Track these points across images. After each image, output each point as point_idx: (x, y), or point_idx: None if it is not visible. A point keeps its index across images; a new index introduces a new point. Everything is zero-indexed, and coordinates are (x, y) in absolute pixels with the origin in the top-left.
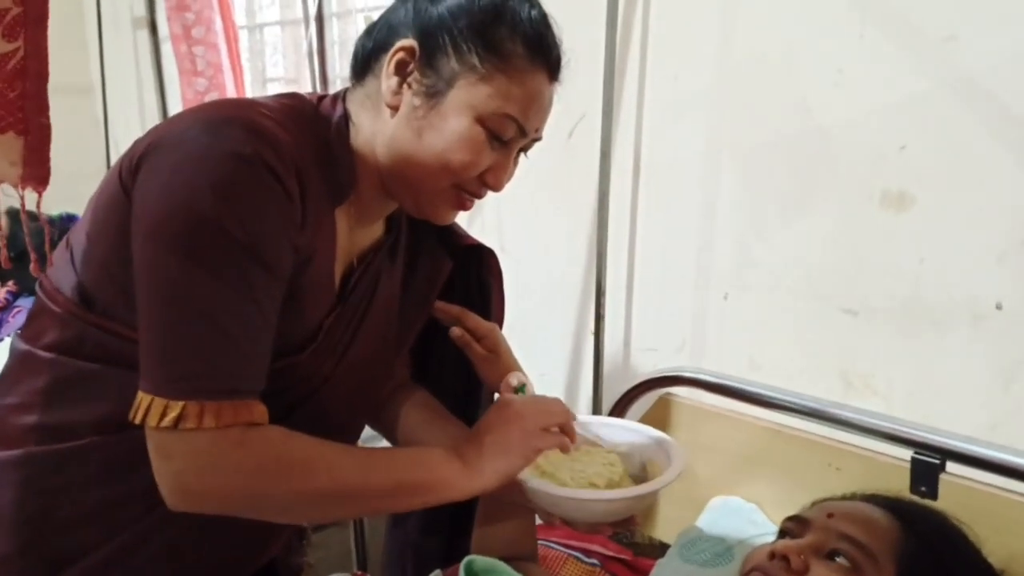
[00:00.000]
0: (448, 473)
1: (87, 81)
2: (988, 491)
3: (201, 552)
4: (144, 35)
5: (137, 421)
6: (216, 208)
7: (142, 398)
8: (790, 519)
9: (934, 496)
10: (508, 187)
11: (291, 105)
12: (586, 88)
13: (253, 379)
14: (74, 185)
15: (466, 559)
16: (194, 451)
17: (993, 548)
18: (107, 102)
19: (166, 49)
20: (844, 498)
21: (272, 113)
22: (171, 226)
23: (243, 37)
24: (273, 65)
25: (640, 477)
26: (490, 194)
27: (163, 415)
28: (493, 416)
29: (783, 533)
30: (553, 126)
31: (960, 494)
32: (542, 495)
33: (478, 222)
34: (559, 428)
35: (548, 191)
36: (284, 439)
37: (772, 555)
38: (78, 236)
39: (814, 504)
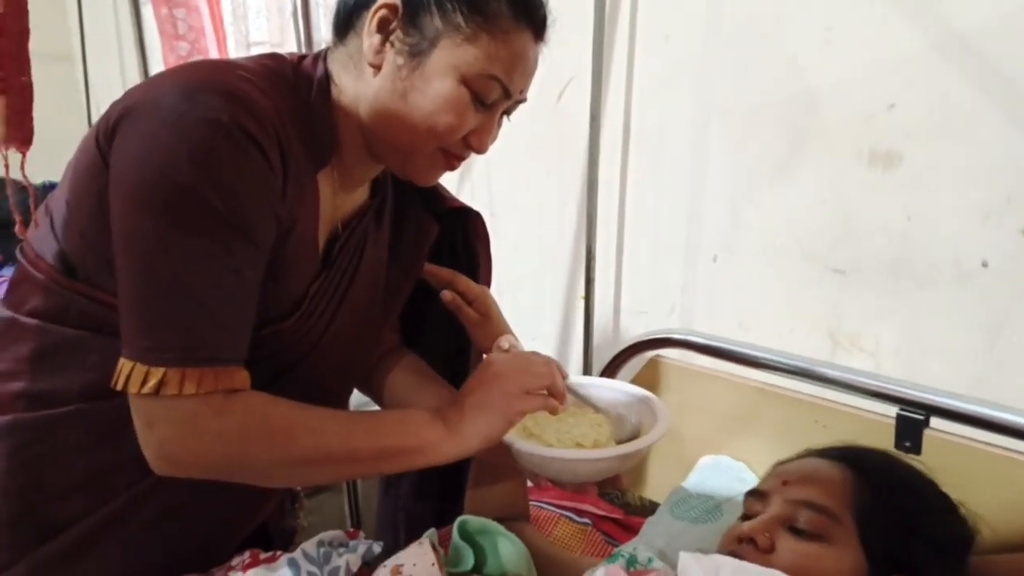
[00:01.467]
0: (431, 436)
1: (67, 49)
2: (971, 446)
3: (192, 517)
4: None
5: (119, 388)
6: (193, 176)
7: (123, 364)
8: (750, 494)
9: (918, 451)
10: (498, 151)
11: (271, 66)
12: (575, 49)
13: (234, 347)
14: (56, 153)
15: (459, 519)
16: (176, 418)
17: (976, 501)
18: (88, 69)
19: (147, 13)
20: (796, 457)
21: (251, 75)
22: (148, 194)
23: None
24: (257, 28)
25: (626, 436)
26: (480, 158)
27: (144, 382)
28: (476, 378)
29: (745, 515)
30: (542, 89)
31: (944, 449)
32: (527, 456)
33: (468, 186)
34: (547, 390)
35: (538, 155)
36: (266, 405)
37: (740, 539)
38: (57, 203)
39: (773, 469)
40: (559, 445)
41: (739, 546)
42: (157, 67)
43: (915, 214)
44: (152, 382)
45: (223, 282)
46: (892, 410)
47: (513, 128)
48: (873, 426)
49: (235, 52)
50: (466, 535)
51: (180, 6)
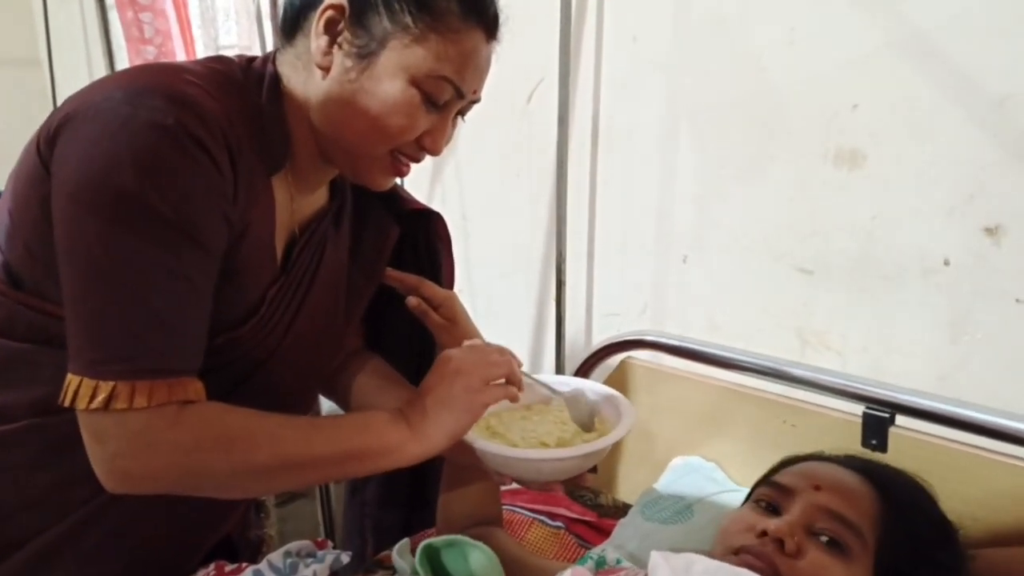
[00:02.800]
0: (394, 438)
1: (33, 53)
2: (937, 443)
3: (152, 531)
4: (91, 3)
5: (67, 404)
6: (138, 181)
7: (71, 380)
8: (768, 485)
9: (884, 449)
10: (468, 153)
11: (219, 69)
12: (544, 51)
13: (186, 357)
14: None
15: (423, 543)
16: (128, 432)
17: (942, 498)
18: (54, 74)
19: (114, 17)
20: (812, 457)
21: (198, 79)
22: (92, 201)
23: (194, 3)
24: (226, 32)
25: (591, 433)
26: (451, 161)
27: (92, 396)
28: (435, 374)
29: (761, 501)
30: (511, 91)
31: (910, 446)
32: (491, 456)
33: (439, 190)
34: (505, 379)
35: (508, 157)
36: (222, 414)
37: (762, 533)
38: (0, 214)
39: (783, 464)
40: (523, 444)
41: (758, 540)
42: None
43: (880, 213)
44: (101, 396)
45: (172, 289)
46: (859, 408)
47: (483, 130)
48: (840, 425)
49: (204, 56)
50: (432, 553)
51: (146, 9)
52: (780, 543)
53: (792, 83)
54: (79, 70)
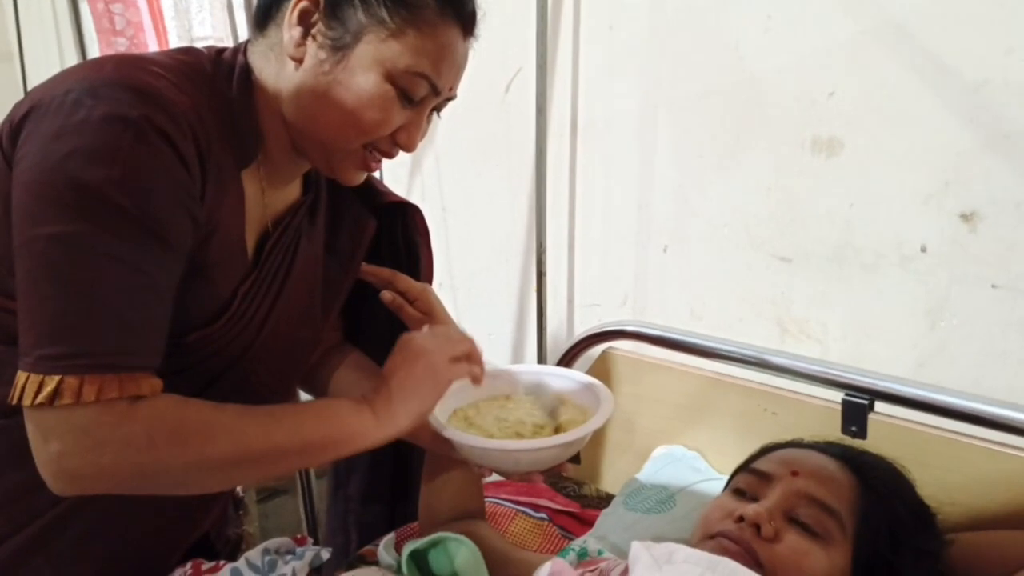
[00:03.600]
0: (357, 423)
1: (4, 47)
2: (916, 429)
3: (125, 532)
4: None
5: (14, 402)
6: (97, 175)
7: (19, 376)
8: (747, 472)
9: (863, 435)
10: (447, 145)
11: (187, 61)
12: (521, 41)
13: (141, 352)
14: None
15: (407, 547)
16: (74, 429)
17: (920, 483)
18: (26, 67)
19: (84, 9)
20: (792, 444)
21: (165, 72)
22: (48, 194)
23: None
24: (200, 23)
25: (570, 422)
26: (430, 153)
27: (38, 392)
28: (397, 357)
29: (740, 487)
30: (489, 81)
31: (889, 432)
32: (468, 448)
33: (418, 182)
34: (466, 357)
35: (487, 148)
36: (176, 407)
37: (740, 518)
38: None
39: (763, 451)
40: (499, 433)
41: (736, 526)
42: None
43: (857, 200)
44: (46, 391)
45: (128, 283)
46: (838, 396)
47: (462, 122)
48: (820, 412)
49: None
50: (417, 555)
51: (117, 1)
52: (757, 528)
53: (769, 71)
54: (51, 63)
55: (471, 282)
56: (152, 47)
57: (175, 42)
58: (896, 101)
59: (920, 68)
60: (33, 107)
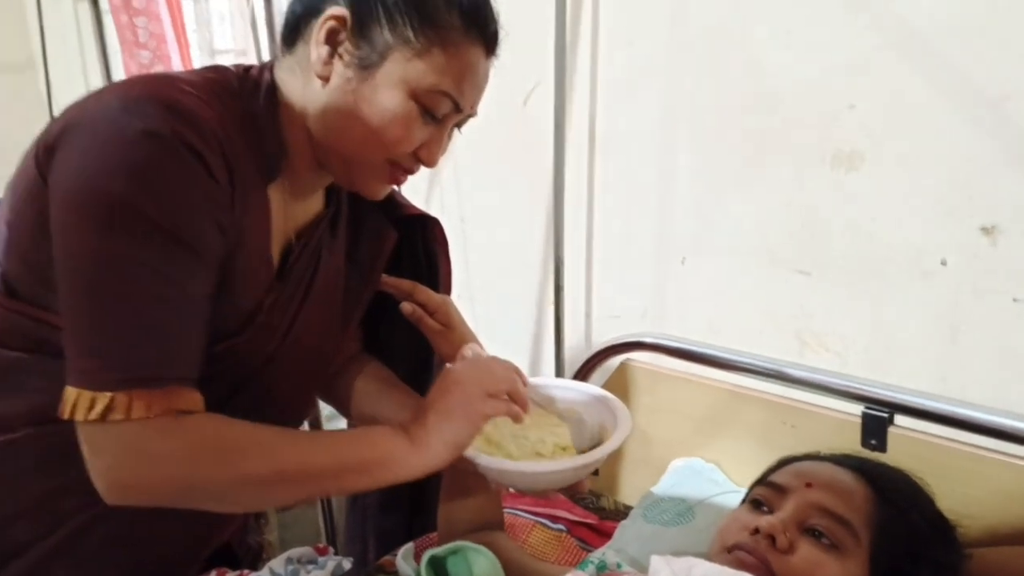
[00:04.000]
0: (394, 450)
1: (28, 58)
2: (936, 442)
3: (149, 540)
4: (85, 7)
5: (65, 416)
6: (132, 190)
7: (68, 392)
8: (764, 485)
9: (883, 448)
10: (467, 157)
11: (215, 79)
12: (540, 54)
13: (183, 365)
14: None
15: (427, 554)
16: (125, 444)
17: (940, 497)
18: (50, 79)
19: (109, 21)
20: (808, 457)
21: (194, 89)
22: (87, 210)
23: (188, 7)
24: (221, 36)
25: (587, 438)
26: (449, 165)
27: (91, 408)
28: (437, 388)
29: (757, 501)
30: (508, 94)
31: (909, 446)
32: (486, 469)
33: (437, 193)
34: (508, 395)
35: (506, 160)
36: (219, 426)
37: (755, 530)
38: None
39: (780, 464)
40: (518, 452)
41: (751, 538)
42: (120, 76)
43: (878, 214)
44: (99, 407)
45: (167, 298)
46: (858, 409)
47: (481, 134)
48: (840, 425)
49: (199, 60)
50: (437, 561)
51: (141, 14)
52: (772, 539)
53: (789, 85)
54: (74, 75)
55: (489, 293)
56: (174, 59)
57: (197, 54)
58: (917, 114)
59: (941, 82)
60: (69, 125)
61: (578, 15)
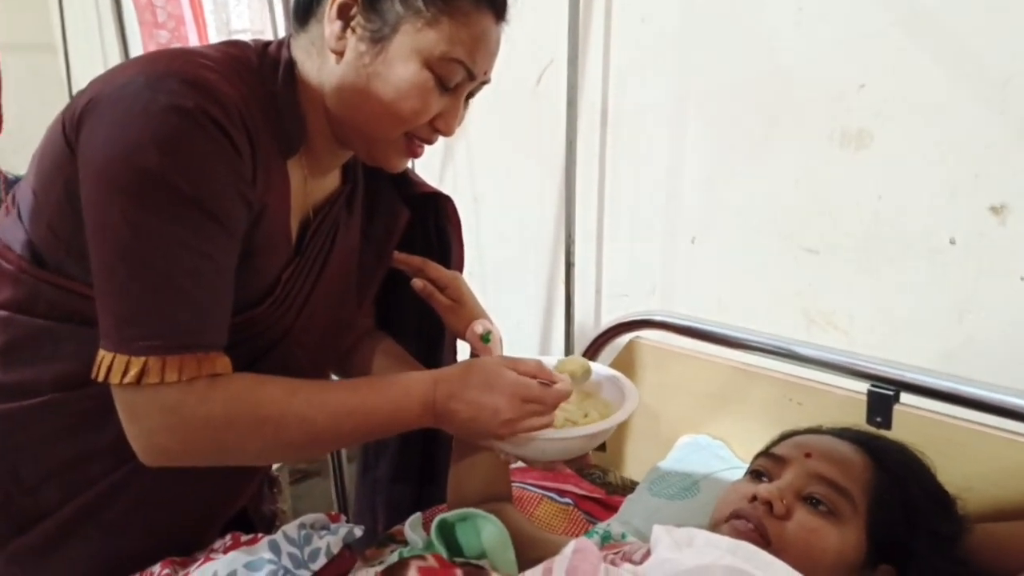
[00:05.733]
0: (418, 427)
1: (48, 39)
2: (941, 420)
3: (171, 504)
4: None
5: (100, 379)
6: (160, 163)
7: (103, 356)
8: (764, 456)
9: (888, 426)
10: (479, 135)
11: (235, 55)
12: (553, 32)
13: (213, 332)
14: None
15: (437, 519)
16: (161, 408)
17: (945, 474)
18: (69, 59)
19: (127, 2)
20: (810, 431)
21: (215, 64)
22: (118, 184)
23: None
24: (238, 16)
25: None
26: (461, 143)
27: (125, 372)
28: (481, 383)
29: (757, 472)
30: (521, 73)
31: (914, 423)
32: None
33: (450, 171)
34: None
35: (519, 139)
36: (253, 389)
37: (753, 498)
38: (24, 193)
39: (782, 437)
40: None
41: (749, 505)
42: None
43: (886, 193)
44: (133, 372)
45: (197, 267)
46: (864, 386)
47: (494, 113)
48: (846, 402)
49: (216, 40)
50: (447, 526)
51: None
52: (770, 506)
53: (799, 63)
54: (94, 55)
55: (500, 271)
56: (192, 38)
57: (214, 34)
58: (926, 94)
59: (950, 61)
60: (96, 98)
61: None
